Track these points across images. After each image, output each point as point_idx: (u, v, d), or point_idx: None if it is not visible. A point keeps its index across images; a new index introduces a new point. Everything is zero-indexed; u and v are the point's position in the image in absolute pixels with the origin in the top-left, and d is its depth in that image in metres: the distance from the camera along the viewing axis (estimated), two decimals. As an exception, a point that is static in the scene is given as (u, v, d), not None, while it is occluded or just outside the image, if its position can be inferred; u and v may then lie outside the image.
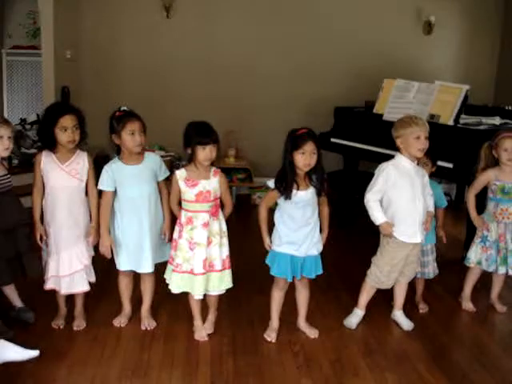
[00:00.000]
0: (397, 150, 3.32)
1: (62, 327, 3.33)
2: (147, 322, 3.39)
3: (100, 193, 3.24)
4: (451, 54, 6.87)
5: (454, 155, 4.28)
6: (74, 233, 3.19)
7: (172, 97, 6.56)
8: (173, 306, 3.54)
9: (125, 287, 3.41)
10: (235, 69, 6.58)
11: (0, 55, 7.42)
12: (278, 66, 6.61)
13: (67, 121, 3.08)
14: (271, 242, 3.18)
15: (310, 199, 3.10)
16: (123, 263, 3.30)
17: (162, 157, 3.55)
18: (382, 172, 3.27)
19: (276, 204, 3.17)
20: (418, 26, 6.72)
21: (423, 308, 3.77)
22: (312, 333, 3.36)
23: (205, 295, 3.25)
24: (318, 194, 3.12)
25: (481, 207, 3.72)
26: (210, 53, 6.54)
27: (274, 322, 3.35)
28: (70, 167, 3.17)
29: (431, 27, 6.65)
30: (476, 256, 3.71)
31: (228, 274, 3.22)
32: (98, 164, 3.33)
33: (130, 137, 3.12)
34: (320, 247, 3.22)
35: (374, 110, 5.19)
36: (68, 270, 3.18)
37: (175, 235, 3.20)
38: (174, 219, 3.29)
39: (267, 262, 3.22)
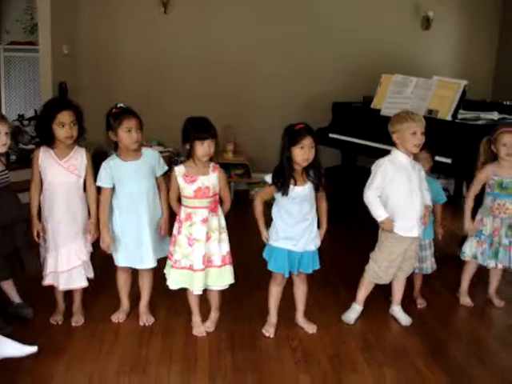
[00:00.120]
0: (394, 145, 3.32)
1: (60, 323, 3.33)
2: (145, 318, 3.40)
3: (99, 190, 3.24)
4: (449, 49, 6.86)
5: (453, 150, 4.28)
6: (72, 229, 3.19)
7: (170, 92, 6.55)
8: (171, 302, 3.54)
9: (123, 283, 3.41)
10: (233, 65, 6.57)
11: (-3, 51, 7.40)
12: (276, 62, 6.60)
13: (65, 116, 3.08)
14: (268, 235, 3.19)
15: (308, 194, 3.09)
16: (121, 259, 3.30)
17: (160, 152, 3.54)
18: (380, 168, 3.27)
19: (273, 199, 3.17)
20: (416, 21, 6.71)
21: (421, 303, 3.77)
22: (310, 328, 3.36)
23: (206, 292, 3.25)
24: (316, 190, 3.12)
25: (478, 201, 3.73)
26: (208, 49, 6.53)
27: (272, 317, 3.35)
28: (69, 163, 3.17)
29: (429, 22, 6.64)
30: (471, 250, 3.71)
31: (229, 269, 3.21)
32: (95, 160, 3.33)
33: (126, 134, 3.11)
34: (318, 242, 3.22)
35: (372, 106, 5.18)
36: (66, 266, 3.18)
37: (174, 231, 3.20)
38: (172, 214, 3.29)
39: (264, 255, 3.22)
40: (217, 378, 2.85)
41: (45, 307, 3.40)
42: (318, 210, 3.21)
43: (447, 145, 4.29)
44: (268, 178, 3.10)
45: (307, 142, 2.99)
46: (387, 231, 3.30)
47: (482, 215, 3.68)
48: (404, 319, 3.50)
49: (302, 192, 3.07)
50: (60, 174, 3.15)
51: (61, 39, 6.03)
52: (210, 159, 3.13)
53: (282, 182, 3.03)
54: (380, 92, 5.16)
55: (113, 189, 3.23)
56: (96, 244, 3.28)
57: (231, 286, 3.26)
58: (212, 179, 3.12)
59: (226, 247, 3.21)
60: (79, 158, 3.20)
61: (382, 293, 3.66)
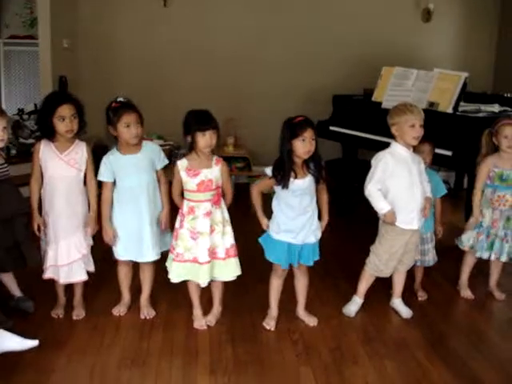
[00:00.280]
0: (394, 137, 3.32)
1: (61, 316, 3.34)
2: (146, 311, 3.40)
3: (99, 184, 3.25)
4: (450, 41, 6.85)
5: (453, 143, 4.27)
6: (72, 222, 3.19)
7: (170, 86, 6.54)
8: (172, 295, 3.55)
9: (124, 276, 3.41)
10: (233, 58, 6.56)
11: (-3, 45, 7.39)
12: (276, 55, 6.59)
13: (65, 110, 3.07)
14: (268, 226, 3.19)
15: (308, 187, 3.09)
16: (121, 252, 3.30)
17: (160, 146, 3.53)
18: (380, 161, 3.27)
19: (273, 192, 3.17)
20: (416, 13, 6.69)
21: (422, 296, 3.77)
22: (311, 321, 3.37)
23: (210, 285, 3.26)
24: (317, 182, 3.12)
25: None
26: (208, 41, 6.51)
27: (273, 310, 3.36)
28: (69, 157, 3.17)
29: (430, 15, 6.62)
30: (469, 240, 3.72)
31: (234, 262, 3.21)
32: (96, 153, 3.33)
33: (125, 129, 3.11)
34: (318, 234, 3.21)
35: (373, 98, 5.17)
36: (66, 260, 3.19)
37: (176, 224, 3.20)
38: (173, 208, 3.29)
39: (260, 240, 3.22)
40: (218, 371, 2.85)
41: (45, 301, 3.41)
42: (318, 201, 3.21)
43: (448, 137, 4.28)
44: (268, 171, 3.09)
45: (308, 134, 2.98)
46: (388, 224, 3.30)
47: (481, 207, 3.67)
48: (405, 312, 3.50)
49: (303, 185, 3.07)
50: (60, 168, 3.15)
51: (61, 33, 6.02)
52: (212, 152, 3.13)
53: (283, 174, 3.02)
54: (381, 85, 5.15)
55: (114, 183, 3.23)
56: (98, 237, 3.28)
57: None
58: (215, 172, 3.12)
59: (230, 240, 3.21)
60: (80, 152, 3.20)
61: (383, 285, 3.66)
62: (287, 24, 6.54)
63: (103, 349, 3.03)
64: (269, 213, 3.19)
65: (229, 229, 3.22)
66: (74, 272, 3.24)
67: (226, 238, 3.20)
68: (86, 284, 3.38)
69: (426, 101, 4.65)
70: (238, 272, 3.23)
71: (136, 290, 3.49)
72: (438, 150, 3.82)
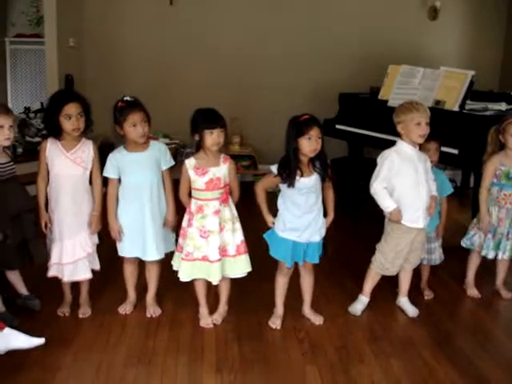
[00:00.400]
0: (399, 136, 3.31)
1: (67, 315, 3.35)
2: (152, 310, 3.40)
3: (105, 182, 3.26)
4: (456, 39, 6.82)
5: (460, 141, 4.26)
6: (77, 221, 3.20)
7: (176, 84, 6.55)
8: (178, 293, 3.55)
9: (130, 274, 3.42)
10: (239, 56, 6.55)
11: (3, 44, 7.39)
12: (282, 53, 6.58)
13: (71, 109, 3.08)
14: (273, 223, 3.19)
15: (313, 186, 3.09)
16: (125, 249, 3.30)
17: (166, 145, 3.54)
18: (386, 159, 3.26)
19: (278, 190, 3.16)
20: (423, 11, 6.66)
21: (428, 294, 3.76)
22: (317, 319, 3.36)
23: (217, 285, 3.27)
24: (323, 180, 3.12)
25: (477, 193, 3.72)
26: (213, 40, 6.51)
27: (279, 308, 3.35)
28: (75, 155, 3.17)
29: (437, 13, 6.60)
30: (474, 239, 3.71)
31: (244, 258, 3.22)
32: (102, 152, 3.33)
33: (132, 129, 3.11)
34: (323, 232, 3.21)
35: (379, 96, 5.17)
36: (71, 258, 3.20)
37: (184, 223, 3.21)
38: (178, 207, 3.29)
39: (265, 236, 3.22)
40: (224, 369, 2.85)
41: (52, 299, 3.42)
42: (324, 198, 3.21)
43: (454, 136, 4.27)
44: (274, 169, 3.08)
45: (314, 132, 2.98)
46: (394, 222, 3.29)
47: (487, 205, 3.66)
48: (411, 310, 3.50)
49: (309, 183, 3.06)
50: (66, 166, 3.16)
51: (67, 32, 6.03)
52: (219, 151, 3.13)
53: (289, 173, 3.02)
54: (387, 83, 5.14)
55: (120, 180, 3.24)
56: (106, 235, 3.28)
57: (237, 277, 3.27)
58: (223, 170, 3.13)
59: (239, 236, 3.22)
60: (86, 151, 3.21)
61: (389, 284, 3.65)
62: (293, 22, 6.53)
63: (109, 347, 3.03)
64: (274, 211, 3.19)
65: (238, 225, 3.23)
66: (79, 270, 3.25)
67: (237, 235, 3.21)
68: (92, 282, 3.39)
69: (433, 99, 4.64)
70: (249, 268, 3.24)
71: (142, 288, 3.49)
72: (444, 149, 3.81)
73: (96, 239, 3.31)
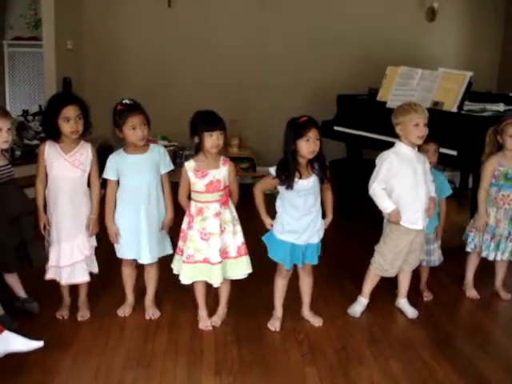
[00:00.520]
0: (398, 137, 3.31)
1: (66, 317, 3.34)
2: (151, 312, 3.40)
3: (103, 184, 3.26)
4: (454, 40, 6.82)
5: (458, 142, 4.26)
6: (75, 223, 3.19)
7: (174, 86, 6.54)
8: (177, 296, 3.54)
9: (128, 277, 3.41)
10: (237, 57, 6.55)
11: (1, 46, 7.40)
12: (280, 55, 6.58)
13: (70, 111, 3.08)
14: (272, 225, 3.19)
15: (312, 187, 3.09)
16: (122, 251, 3.30)
17: (165, 147, 3.54)
18: (385, 161, 3.26)
19: (277, 192, 3.16)
20: (421, 12, 6.66)
21: (427, 296, 3.76)
22: (316, 321, 3.36)
23: (217, 287, 3.27)
24: (321, 182, 3.12)
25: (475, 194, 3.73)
26: (212, 41, 6.50)
27: (278, 310, 3.35)
28: (74, 158, 3.17)
29: (434, 14, 6.60)
30: (474, 240, 3.71)
31: (245, 260, 3.22)
32: (101, 154, 3.34)
33: (131, 132, 3.11)
34: (321, 234, 3.21)
35: (378, 98, 5.17)
36: (69, 261, 3.19)
37: (183, 226, 3.20)
38: (176, 211, 3.29)
39: (263, 238, 3.22)
40: (223, 372, 2.85)
41: (50, 302, 3.41)
42: (323, 200, 3.21)
43: (453, 137, 4.27)
44: (272, 170, 3.08)
45: (312, 134, 2.98)
46: (393, 223, 3.29)
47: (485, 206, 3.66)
48: (410, 312, 3.49)
49: (307, 185, 3.06)
50: (65, 169, 3.15)
51: (65, 34, 6.03)
52: (219, 153, 3.13)
53: (287, 175, 3.02)
54: (386, 84, 5.14)
55: (118, 182, 3.24)
56: (104, 238, 3.28)
57: (237, 279, 3.27)
58: (223, 172, 3.13)
59: (240, 238, 3.23)
60: (85, 153, 3.20)
61: (388, 286, 3.65)
62: (291, 24, 6.53)
63: (108, 350, 3.02)
64: (272, 213, 3.19)
65: (239, 227, 3.23)
66: (77, 273, 3.24)
67: (237, 237, 3.21)
68: (90, 285, 3.38)
69: (431, 100, 4.64)
70: (249, 270, 3.24)
71: (141, 290, 3.48)
72: (442, 150, 3.81)
73: (94, 242, 3.31)
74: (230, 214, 3.18)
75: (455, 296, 3.83)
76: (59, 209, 3.16)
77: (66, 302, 3.40)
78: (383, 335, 3.27)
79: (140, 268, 3.41)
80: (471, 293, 3.80)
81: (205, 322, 3.29)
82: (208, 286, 3.26)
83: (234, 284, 3.32)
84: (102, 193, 3.29)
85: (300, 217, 3.11)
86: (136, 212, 3.21)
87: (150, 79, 6.49)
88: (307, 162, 3.08)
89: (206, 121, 3.05)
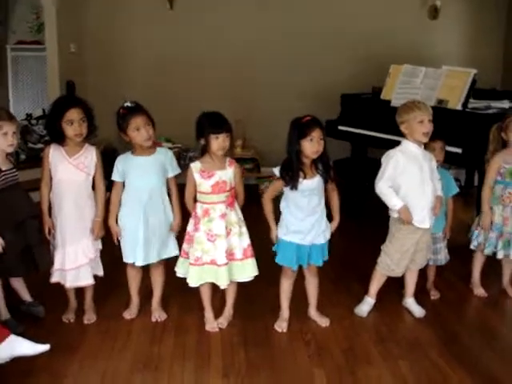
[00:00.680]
0: (404, 136, 3.30)
1: (72, 321, 3.34)
2: (158, 314, 3.39)
3: (108, 187, 3.28)
4: (458, 38, 6.80)
5: (463, 140, 4.24)
6: (79, 226, 3.19)
7: (177, 88, 6.53)
8: (184, 298, 3.53)
9: (132, 279, 3.40)
10: (240, 59, 6.54)
11: (4, 51, 7.41)
12: (283, 55, 6.57)
13: (73, 114, 3.08)
14: (278, 231, 3.18)
15: (316, 188, 3.08)
16: (124, 254, 3.29)
17: (169, 149, 3.52)
18: (391, 159, 3.25)
19: (281, 193, 3.16)
20: (423, 11, 6.65)
21: (434, 295, 3.75)
22: (323, 321, 3.35)
23: (224, 289, 3.26)
24: (325, 182, 3.11)
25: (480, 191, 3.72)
26: (214, 43, 6.50)
27: (285, 312, 3.34)
28: (78, 161, 3.17)
29: (437, 12, 6.58)
30: (478, 238, 3.70)
31: (251, 262, 3.21)
32: (105, 157, 3.33)
33: (135, 133, 3.11)
34: (327, 235, 3.20)
35: (382, 97, 5.15)
36: (73, 264, 3.19)
37: (190, 228, 3.20)
38: (183, 214, 3.29)
39: (274, 248, 3.22)
40: (230, 375, 2.84)
41: (56, 305, 3.40)
42: (329, 202, 3.20)
43: (457, 134, 4.25)
44: (276, 171, 3.08)
45: (316, 134, 2.97)
46: (401, 223, 3.26)
47: (490, 204, 3.64)
48: (417, 311, 3.48)
49: (311, 185, 3.06)
50: (69, 172, 3.15)
51: (67, 38, 6.04)
52: (225, 154, 3.12)
53: (291, 175, 3.02)
54: (389, 83, 5.12)
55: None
56: (110, 240, 3.28)
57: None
58: (229, 173, 3.12)
59: (246, 240, 3.22)
60: (89, 156, 3.20)
61: (395, 285, 3.63)
62: (294, 24, 6.51)
63: (115, 353, 3.02)
64: (277, 214, 3.18)
65: (245, 229, 3.22)
66: (81, 276, 3.24)
67: (243, 239, 3.20)
68: (96, 288, 3.38)
69: (435, 98, 4.62)
70: (256, 272, 3.22)
71: (147, 293, 3.48)
72: (447, 148, 3.79)
73: (99, 245, 3.30)
74: (236, 215, 3.17)
75: (462, 294, 3.82)
76: (64, 212, 3.16)
77: (72, 305, 3.40)
78: (390, 335, 3.26)
79: (147, 270, 3.40)
80: (478, 291, 3.79)
81: (211, 324, 3.28)
82: (214, 288, 3.25)
83: (240, 286, 3.31)
84: (107, 196, 3.29)
85: (304, 217, 3.10)
86: (137, 214, 3.19)
87: (152, 81, 6.49)
88: (311, 162, 3.07)
89: (212, 123, 3.04)
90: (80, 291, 3.38)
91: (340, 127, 5.39)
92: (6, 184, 3.10)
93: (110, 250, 3.33)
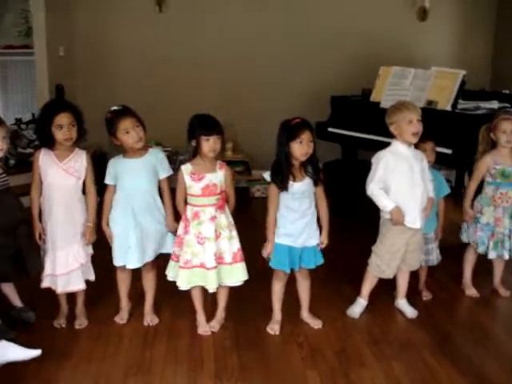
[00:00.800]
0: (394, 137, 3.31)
1: (63, 326, 3.31)
2: (150, 318, 3.38)
3: (99, 192, 3.27)
4: (447, 39, 6.82)
5: (453, 141, 4.25)
6: (70, 231, 3.17)
7: (167, 92, 6.52)
8: (176, 302, 3.51)
9: (122, 282, 3.38)
10: (230, 60, 6.53)
11: (-7, 56, 7.38)
12: (273, 57, 6.55)
13: (63, 119, 3.06)
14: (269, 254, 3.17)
15: (306, 190, 3.08)
16: (114, 257, 3.27)
17: (159, 152, 3.52)
18: (381, 160, 3.25)
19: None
20: (412, 12, 6.66)
21: (427, 295, 3.76)
22: (315, 323, 3.35)
23: (215, 292, 3.25)
24: (315, 184, 3.11)
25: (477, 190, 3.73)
26: (203, 46, 6.48)
27: (277, 314, 3.33)
28: (68, 165, 3.15)
29: (426, 13, 6.60)
30: (468, 236, 3.72)
31: (240, 266, 3.19)
32: (95, 161, 3.32)
33: (125, 136, 3.11)
34: (318, 236, 3.20)
35: (371, 98, 5.16)
36: (64, 269, 3.17)
37: (179, 231, 3.18)
38: (175, 217, 3.28)
39: (270, 264, 3.21)
40: (223, 378, 2.83)
41: (47, 311, 3.38)
42: (318, 211, 3.19)
43: (447, 135, 4.26)
44: (267, 176, 3.08)
45: (306, 136, 2.98)
46: (394, 223, 3.26)
47: (481, 204, 3.65)
48: (410, 312, 3.48)
49: (301, 187, 3.06)
50: (59, 176, 3.14)
51: (56, 41, 6.00)
52: (215, 157, 3.12)
53: (281, 178, 3.02)
54: (379, 85, 5.13)
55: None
56: (101, 245, 3.26)
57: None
58: (219, 176, 3.11)
59: (236, 244, 3.20)
60: (79, 161, 3.19)
61: (387, 286, 3.63)
62: (283, 25, 6.50)
63: (107, 358, 3.00)
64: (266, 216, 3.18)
65: (235, 233, 3.21)
66: (72, 281, 3.22)
67: (233, 243, 3.19)
68: (87, 293, 3.36)
69: (425, 99, 4.63)
70: (245, 277, 3.21)
71: (139, 296, 3.46)
72: (437, 149, 3.80)
73: (90, 250, 3.29)
74: (226, 219, 3.16)
75: (454, 295, 3.83)
76: (54, 216, 3.14)
77: (63, 310, 3.38)
78: (383, 336, 3.26)
79: (138, 274, 3.39)
80: (470, 291, 3.80)
81: (203, 327, 3.27)
82: (206, 292, 3.24)
83: (232, 289, 3.30)
84: (99, 200, 3.27)
85: (295, 220, 3.10)
86: (128, 216, 3.18)
87: (142, 85, 6.47)
88: (300, 165, 3.07)
89: (203, 125, 3.04)
90: (71, 296, 3.35)
91: (330, 129, 5.40)
92: (-2, 189, 3.09)
93: (102, 254, 3.32)
